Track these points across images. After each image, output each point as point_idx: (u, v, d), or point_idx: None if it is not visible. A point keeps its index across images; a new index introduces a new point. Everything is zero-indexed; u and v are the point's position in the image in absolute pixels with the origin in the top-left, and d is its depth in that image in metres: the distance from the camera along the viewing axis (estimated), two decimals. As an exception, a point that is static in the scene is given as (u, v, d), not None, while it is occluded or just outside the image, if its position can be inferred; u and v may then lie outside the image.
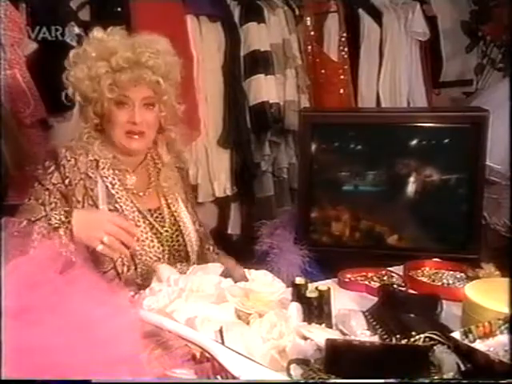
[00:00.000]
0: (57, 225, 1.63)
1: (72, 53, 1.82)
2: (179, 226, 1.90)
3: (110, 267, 1.76)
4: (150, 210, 1.87)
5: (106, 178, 1.81)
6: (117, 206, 1.80)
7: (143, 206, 1.86)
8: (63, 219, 1.64)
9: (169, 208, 1.90)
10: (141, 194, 1.87)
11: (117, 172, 1.84)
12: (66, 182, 1.77)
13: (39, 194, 1.77)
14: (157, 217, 1.87)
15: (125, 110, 1.79)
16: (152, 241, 1.82)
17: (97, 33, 1.80)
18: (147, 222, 1.84)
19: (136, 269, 1.78)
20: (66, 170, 1.78)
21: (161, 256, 1.83)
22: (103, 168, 1.82)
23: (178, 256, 1.88)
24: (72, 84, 1.81)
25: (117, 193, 1.81)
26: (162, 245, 1.85)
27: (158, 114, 1.84)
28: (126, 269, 1.77)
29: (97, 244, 1.61)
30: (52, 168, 1.78)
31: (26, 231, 1.64)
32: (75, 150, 1.81)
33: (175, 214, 1.91)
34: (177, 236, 1.89)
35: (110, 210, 1.79)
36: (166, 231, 1.87)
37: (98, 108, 1.80)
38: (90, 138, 1.83)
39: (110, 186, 1.81)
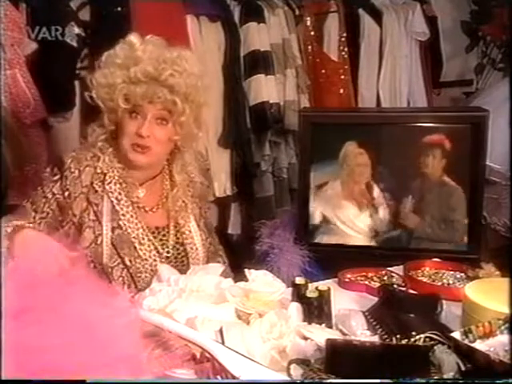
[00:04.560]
0: (6, 233, 1.59)
1: (105, 54, 1.77)
2: (185, 247, 1.85)
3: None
4: (157, 228, 1.83)
5: (112, 193, 1.77)
6: (120, 223, 1.76)
7: (150, 223, 1.82)
8: (10, 232, 1.60)
9: (177, 228, 1.85)
10: (148, 209, 1.82)
11: (124, 186, 1.79)
12: (66, 194, 1.75)
13: (36, 199, 1.76)
14: (164, 235, 1.83)
15: (136, 121, 1.73)
16: (155, 260, 1.78)
17: (133, 38, 1.75)
18: (151, 241, 1.80)
19: (136, 287, 1.74)
20: (68, 182, 1.75)
21: None
22: (110, 182, 1.77)
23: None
24: (93, 88, 1.76)
25: (121, 209, 1.77)
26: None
27: (171, 134, 1.77)
28: (126, 287, 1.72)
29: None
30: (57, 177, 1.76)
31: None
32: (82, 161, 1.77)
33: (184, 234, 1.85)
34: (181, 257, 1.84)
35: (113, 227, 1.75)
36: (168, 252, 1.82)
37: (112, 116, 1.76)
38: (105, 144, 1.79)
39: (115, 201, 1.77)
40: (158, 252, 1.80)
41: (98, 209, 1.76)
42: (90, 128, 1.84)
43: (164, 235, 1.83)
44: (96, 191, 1.77)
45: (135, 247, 1.77)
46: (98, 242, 1.74)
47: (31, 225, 1.71)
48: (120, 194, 1.78)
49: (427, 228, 2.16)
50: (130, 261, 1.76)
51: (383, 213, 2.18)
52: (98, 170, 1.78)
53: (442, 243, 2.15)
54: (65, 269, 1.47)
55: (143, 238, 1.78)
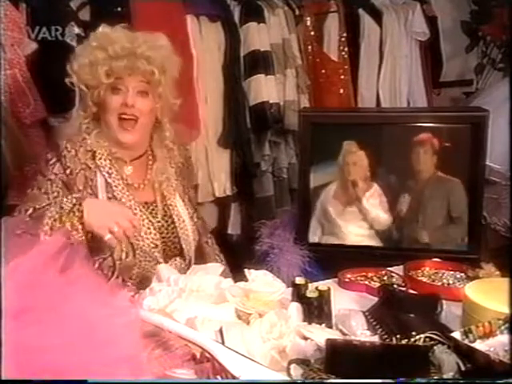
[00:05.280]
0: (68, 209, 1.71)
1: (78, 48, 1.93)
2: (173, 220, 1.94)
3: (109, 254, 1.78)
4: (146, 203, 1.92)
5: (103, 168, 1.87)
6: (115, 194, 1.86)
7: (139, 198, 1.91)
8: (75, 203, 1.73)
9: (163, 202, 1.94)
10: (136, 185, 1.92)
11: (113, 162, 1.89)
12: (67, 171, 1.84)
13: (41, 184, 1.83)
14: (153, 209, 1.92)
15: (119, 95, 1.85)
16: (148, 228, 1.87)
17: (103, 29, 1.89)
18: (142, 212, 1.89)
19: (134, 255, 1.83)
20: (67, 161, 1.85)
21: (158, 243, 1.87)
22: (100, 158, 1.87)
23: (174, 248, 1.92)
24: (74, 72, 1.86)
25: (113, 181, 1.87)
26: (157, 232, 1.89)
27: (152, 104, 1.88)
28: (124, 255, 1.81)
29: (105, 233, 1.68)
30: (54, 160, 1.85)
31: (36, 216, 1.73)
32: (75, 142, 1.87)
33: (170, 207, 1.95)
34: (172, 229, 1.93)
35: (108, 198, 1.85)
36: (159, 222, 1.91)
37: (95, 95, 1.86)
38: (88, 127, 1.89)
39: (107, 175, 1.87)
40: (151, 222, 1.89)
41: (93, 183, 1.85)
42: (74, 112, 1.98)
43: (153, 209, 1.93)
44: (90, 168, 1.86)
45: None
46: None
47: (52, 207, 1.76)
48: (110, 168, 1.88)
49: (427, 227, 2.16)
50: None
51: (380, 212, 2.18)
52: (88, 148, 1.87)
53: (442, 243, 2.15)
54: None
55: (135, 209, 1.87)
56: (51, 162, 1.85)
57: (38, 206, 1.78)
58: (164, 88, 1.88)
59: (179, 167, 2.03)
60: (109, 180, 1.86)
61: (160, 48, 1.87)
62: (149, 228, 1.88)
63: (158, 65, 1.85)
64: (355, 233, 2.21)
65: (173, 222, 1.94)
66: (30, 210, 1.77)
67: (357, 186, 2.17)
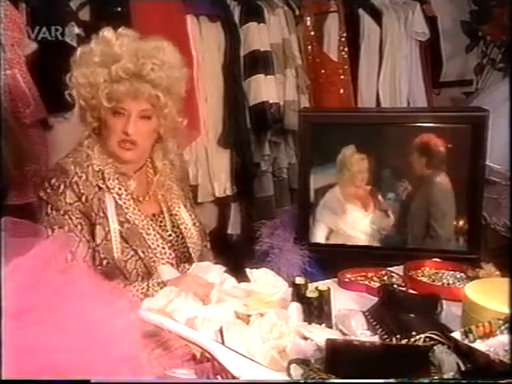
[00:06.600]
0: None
1: (79, 51, 1.77)
2: (180, 229, 1.89)
3: (125, 279, 1.74)
4: (154, 216, 1.86)
5: (113, 188, 1.78)
6: (127, 216, 1.78)
7: (147, 211, 1.85)
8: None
9: (169, 212, 1.89)
10: (141, 199, 1.85)
11: (121, 180, 1.81)
12: (83, 199, 1.74)
13: (60, 221, 1.72)
14: (161, 221, 1.87)
15: (120, 119, 1.74)
16: (163, 248, 1.81)
17: (107, 33, 1.74)
18: (156, 229, 1.82)
19: (151, 277, 1.76)
20: (80, 187, 1.74)
21: (173, 262, 1.81)
22: (109, 179, 1.78)
23: (183, 257, 1.88)
24: (74, 87, 1.76)
25: (124, 203, 1.79)
26: (171, 250, 1.83)
27: (155, 126, 1.80)
28: (140, 279, 1.75)
29: None
30: (62, 187, 1.73)
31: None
32: (82, 164, 1.78)
33: (176, 217, 1.90)
34: (181, 239, 1.89)
35: (120, 221, 1.77)
36: (170, 236, 1.87)
37: (95, 113, 1.77)
38: (90, 142, 1.81)
39: (117, 197, 1.78)
40: (162, 238, 1.83)
41: (104, 205, 1.77)
42: (76, 123, 1.85)
43: (161, 221, 1.87)
44: (100, 188, 1.78)
45: (144, 238, 1.79)
46: (108, 238, 1.75)
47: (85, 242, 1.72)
48: (120, 188, 1.80)
49: (428, 226, 2.16)
50: (143, 252, 1.78)
51: (383, 214, 2.18)
52: (96, 168, 1.79)
53: (441, 243, 2.15)
54: None
55: (148, 228, 1.81)
56: (60, 191, 1.72)
57: (73, 250, 1.65)
58: (170, 109, 1.77)
59: (179, 171, 1.98)
60: (119, 202, 1.78)
61: (168, 66, 1.74)
62: (163, 248, 1.80)
63: (164, 88, 1.73)
64: (359, 235, 2.21)
65: (181, 233, 1.88)
66: (70, 257, 1.59)
67: (371, 190, 2.16)
